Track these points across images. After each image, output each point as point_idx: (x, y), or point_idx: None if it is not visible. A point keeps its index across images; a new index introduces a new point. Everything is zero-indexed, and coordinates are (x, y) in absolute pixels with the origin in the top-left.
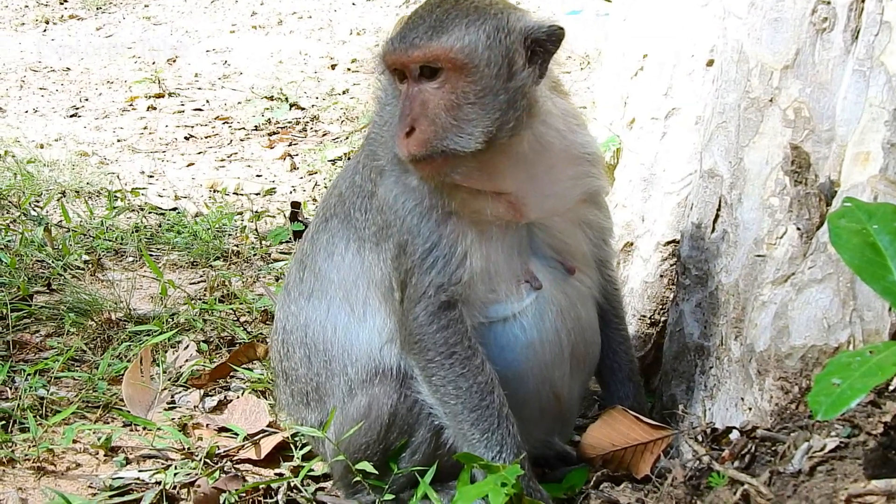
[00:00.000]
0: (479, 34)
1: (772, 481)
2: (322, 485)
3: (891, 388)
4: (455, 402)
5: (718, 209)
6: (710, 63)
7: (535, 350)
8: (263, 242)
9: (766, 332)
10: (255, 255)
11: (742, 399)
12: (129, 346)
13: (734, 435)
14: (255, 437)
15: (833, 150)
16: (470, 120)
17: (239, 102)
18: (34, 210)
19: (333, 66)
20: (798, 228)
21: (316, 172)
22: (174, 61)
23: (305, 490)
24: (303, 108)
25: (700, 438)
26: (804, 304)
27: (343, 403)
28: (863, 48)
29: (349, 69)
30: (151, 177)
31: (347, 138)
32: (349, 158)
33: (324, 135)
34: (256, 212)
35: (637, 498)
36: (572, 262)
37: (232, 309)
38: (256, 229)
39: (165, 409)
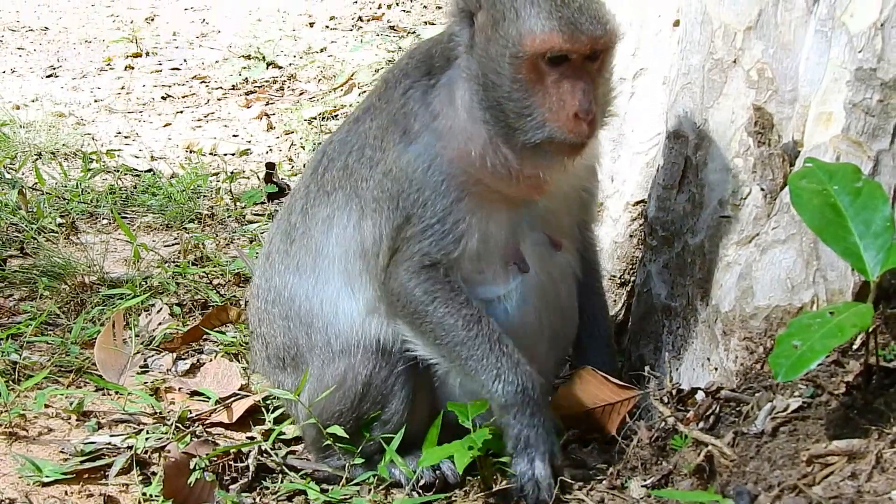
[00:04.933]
0: None
1: (735, 442)
2: (293, 448)
3: (854, 347)
4: (447, 341)
5: (684, 170)
6: (677, 23)
7: (515, 332)
8: (238, 204)
9: (731, 293)
10: (229, 216)
11: (708, 359)
12: (103, 309)
13: (699, 396)
14: (227, 401)
15: (796, 111)
16: (608, 101)
17: (216, 61)
18: (8, 172)
19: (311, 24)
20: (762, 189)
21: (292, 132)
22: (152, 20)
23: (276, 454)
24: (280, 67)
25: (666, 399)
26: (768, 264)
27: (320, 370)
28: (824, 8)
29: (327, 26)
30: (128, 137)
31: (324, 97)
32: (326, 118)
33: (300, 94)
34: (231, 173)
35: (604, 459)
36: (561, 236)
37: (205, 272)
38: (231, 191)
39: (138, 373)
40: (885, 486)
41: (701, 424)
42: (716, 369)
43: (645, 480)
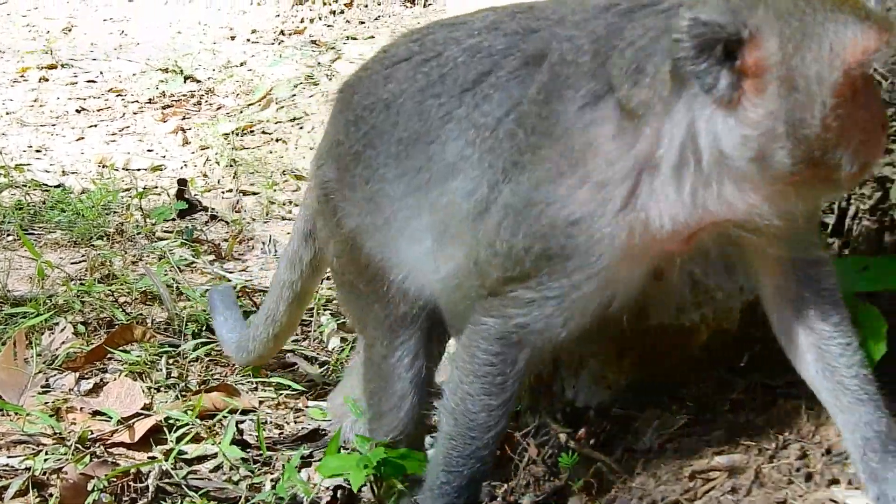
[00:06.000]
0: None
1: (623, 458)
2: (194, 468)
3: (741, 365)
4: (451, 405)
5: None
6: None
7: None
8: (148, 220)
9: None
10: (138, 233)
11: (604, 377)
12: (4, 328)
13: (591, 413)
14: (129, 421)
15: None
16: None
17: (134, 74)
18: None
19: (233, 38)
20: None
21: (208, 147)
22: (70, 30)
23: (176, 474)
24: (198, 81)
25: (559, 417)
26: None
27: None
28: None
29: (248, 40)
30: (39, 151)
31: (241, 112)
32: (242, 133)
33: (218, 108)
34: (143, 188)
35: (500, 476)
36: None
37: (111, 290)
38: (142, 207)
39: (39, 393)
40: (763, 500)
41: (592, 441)
42: (610, 387)
43: (537, 497)
